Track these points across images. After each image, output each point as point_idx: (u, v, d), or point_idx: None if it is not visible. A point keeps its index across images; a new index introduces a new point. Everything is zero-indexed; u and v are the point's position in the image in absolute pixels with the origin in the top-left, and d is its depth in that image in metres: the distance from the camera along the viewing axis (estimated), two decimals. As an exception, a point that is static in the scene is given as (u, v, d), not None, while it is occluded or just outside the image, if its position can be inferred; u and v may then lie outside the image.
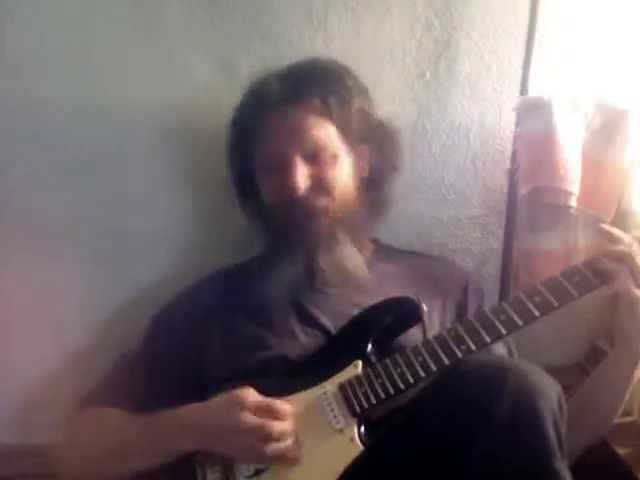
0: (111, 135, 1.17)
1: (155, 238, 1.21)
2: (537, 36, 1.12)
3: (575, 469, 0.82)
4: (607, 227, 0.91)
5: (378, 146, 1.05)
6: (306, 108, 0.98)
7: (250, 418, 0.80)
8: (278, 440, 0.80)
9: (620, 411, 0.92)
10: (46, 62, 1.13)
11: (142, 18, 1.13)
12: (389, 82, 1.19)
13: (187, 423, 0.85)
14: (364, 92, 1.05)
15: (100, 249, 1.21)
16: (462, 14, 1.17)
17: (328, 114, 0.98)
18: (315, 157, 0.98)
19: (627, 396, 0.90)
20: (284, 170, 0.97)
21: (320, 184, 0.98)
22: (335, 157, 0.99)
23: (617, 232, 0.89)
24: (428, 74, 1.20)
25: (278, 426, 0.81)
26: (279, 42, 1.16)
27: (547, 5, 1.12)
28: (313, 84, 0.99)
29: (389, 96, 1.19)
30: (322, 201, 0.98)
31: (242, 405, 0.81)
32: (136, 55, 1.14)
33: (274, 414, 0.82)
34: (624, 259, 0.84)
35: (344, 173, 1.00)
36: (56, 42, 1.12)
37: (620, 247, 0.85)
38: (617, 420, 0.93)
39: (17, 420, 1.24)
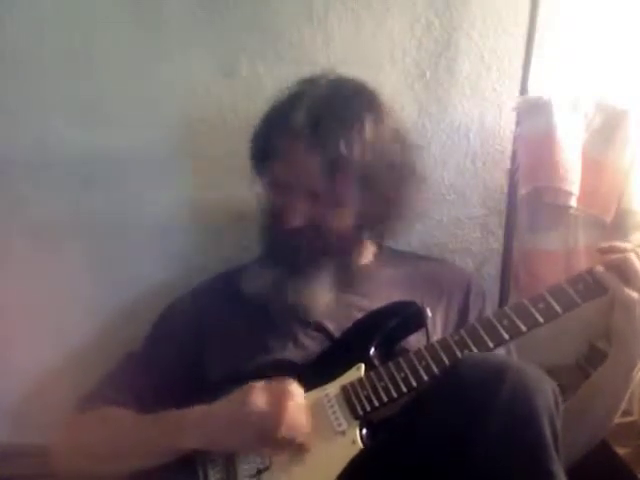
0: (111, 135, 1.17)
1: (156, 239, 1.21)
2: (537, 36, 1.12)
3: (575, 469, 0.82)
4: (607, 245, 0.91)
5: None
6: (322, 152, 0.91)
7: (263, 401, 0.80)
8: (291, 420, 0.80)
9: (619, 413, 0.92)
10: (46, 62, 1.13)
11: (142, 18, 1.13)
12: (389, 82, 1.19)
13: (193, 421, 0.85)
14: (392, 123, 0.99)
15: (101, 249, 1.21)
16: (462, 14, 1.17)
17: (343, 163, 0.92)
18: (318, 198, 0.94)
19: (626, 398, 0.90)
20: (284, 197, 0.96)
21: (314, 225, 0.95)
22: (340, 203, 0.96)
23: (618, 244, 0.90)
24: (428, 74, 1.20)
25: (291, 405, 0.80)
26: (279, 42, 1.16)
27: (547, 5, 1.12)
28: (334, 127, 0.91)
29: (389, 96, 1.18)
30: (311, 237, 0.96)
31: (253, 390, 0.81)
32: (136, 55, 1.14)
33: (286, 395, 0.81)
34: (618, 265, 0.85)
35: (345, 215, 0.97)
36: (56, 42, 1.12)
37: (615, 256, 0.87)
38: (617, 420, 0.93)
39: (17, 420, 1.24)
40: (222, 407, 0.83)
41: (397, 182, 0.99)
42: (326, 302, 0.99)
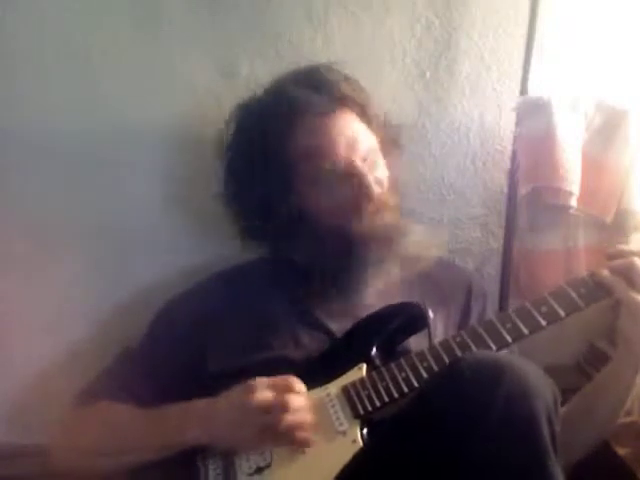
0: (111, 135, 1.17)
1: (155, 238, 1.21)
2: (537, 36, 1.12)
3: (575, 469, 0.82)
4: (614, 250, 0.91)
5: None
6: (353, 115, 0.98)
7: (267, 394, 0.80)
8: (295, 414, 0.80)
9: (622, 415, 0.92)
10: (46, 62, 1.13)
11: (142, 18, 1.13)
12: (389, 82, 1.19)
13: (196, 415, 0.85)
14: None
15: (100, 249, 1.21)
16: (462, 14, 1.17)
17: (369, 122, 0.99)
18: (367, 164, 0.97)
19: (629, 400, 0.91)
20: (347, 178, 0.95)
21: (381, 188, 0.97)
22: (379, 166, 0.99)
23: (625, 249, 0.90)
24: (428, 74, 1.20)
25: (295, 399, 0.80)
26: (279, 42, 1.16)
27: (547, 5, 1.12)
28: (348, 93, 0.98)
29: (389, 96, 1.19)
30: (383, 211, 0.96)
31: (256, 385, 0.81)
32: (136, 55, 1.14)
33: (289, 389, 0.81)
34: (624, 269, 0.85)
35: (386, 171, 1.01)
36: (56, 42, 1.12)
37: (621, 260, 0.87)
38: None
39: (17, 420, 1.24)
40: (224, 402, 0.83)
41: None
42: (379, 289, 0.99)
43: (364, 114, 0.99)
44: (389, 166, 1.02)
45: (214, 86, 1.17)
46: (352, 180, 0.95)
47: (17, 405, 1.24)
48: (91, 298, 1.22)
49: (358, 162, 0.95)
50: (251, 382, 0.82)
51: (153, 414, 0.89)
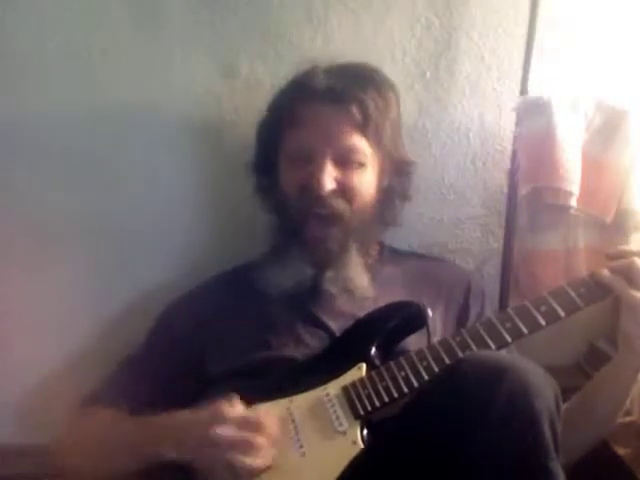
0: (111, 135, 1.17)
1: (156, 239, 1.21)
2: (537, 36, 1.12)
3: (575, 469, 0.82)
4: (615, 251, 0.92)
5: (397, 167, 1.05)
6: (347, 115, 0.98)
7: (228, 431, 0.78)
8: (257, 454, 0.78)
9: (621, 414, 0.93)
10: (46, 62, 1.13)
11: (142, 18, 1.13)
12: (389, 82, 1.19)
13: (171, 430, 0.84)
14: (398, 106, 1.05)
15: (100, 249, 1.21)
16: (462, 14, 1.17)
17: (365, 126, 0.98)
18: (344, 162, 0.98)
19: (629, 399, 0.91)
20: (312, 164, 0.97)
21: (343, 189, 0.98)
22: (362, 165, 0.99)
23: (626, 249, 0.91)
24: (428, 74, 1.20)
25: (258, 439, 0.78)
26: (279, 42, 1.16)
27: (547, 5, 1.12)
28: (358, 90, 0.98)
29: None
30: (341, 206, 0.98)
31: (223, 419, 0.79)
32: (136, 55, 1.14)
33: (255, 427, 0.79)
34: (624, 269, 0.86)
35: (367, 182, 1.00)
36: (56, 42, 1.12)
37: (621, 260, 0.87)
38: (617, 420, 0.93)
39: (17, 420, 1.24)
40: (195, 426, 0.81)
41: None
42: (365, 284, 1.00)
43: (366, 126, 0.98)
44: (378, 185, 1.02)
45: (214, 86, 1.17)
46: (309, 168, 0.97)
47: (17, 405, 1.24)
48: (91, 298, 1.22)
49: (325, 156, 0.97)
50: (221, 411, 0.80)
51: (135, 423, 0.89)
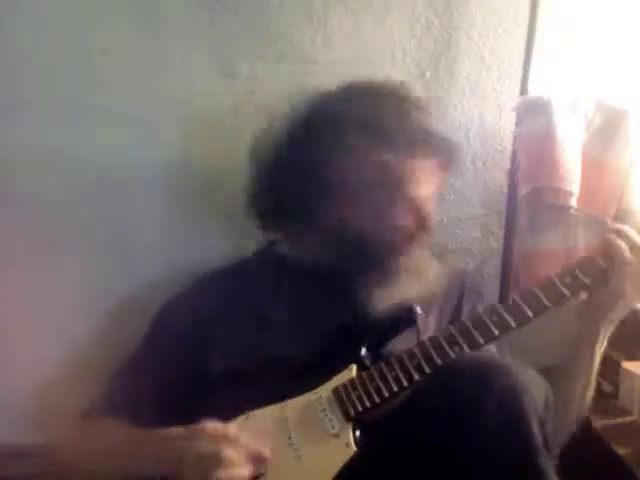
0: (111, 135, 1.17)
1: (155, 238, 1.21)
2: (537, 36, 1.12)
3: (575, 469, 0.82)
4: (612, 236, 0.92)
5: None
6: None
7: (202, 444, 0.77)
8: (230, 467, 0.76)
9: (591, 390, 0.93)
10: (46, 62, 1.13)
11: (142, 18, 1.13)
12: (389, 82, 1.19)
13: (150, 447, 0.84)
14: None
15: (100, 249, 1.21)
16: (462, 14, 1.17)
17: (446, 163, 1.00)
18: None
19: (596, 370, 0.92)
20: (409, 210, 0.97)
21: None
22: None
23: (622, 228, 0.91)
24: (428, 74, 1.20)
25: (231, 452, 0.76)
26: (279, 42, 1.16)
27: (547, 5, 1.12)
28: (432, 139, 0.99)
29: (389, 96, 1.18)
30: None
31: (195, 433, 0.78)
32: (136, 55, 1.14)
33: (226, 440, 0.77)
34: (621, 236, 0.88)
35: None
36: (56, 42, 1.12)
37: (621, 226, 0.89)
38: (617, 420, 0.93)
39: (17, 420, 1.24)
40: (174, 445, 0.80)
41: None
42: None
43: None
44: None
45: (214, 86, 1.17)
46: (414, 212, 0.98)
47: (17, 405, 1.24)
48: (91, 298, 1.22)
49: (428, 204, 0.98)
50: (196, 427, 0.79)
51: (126, 435, 0.89)
